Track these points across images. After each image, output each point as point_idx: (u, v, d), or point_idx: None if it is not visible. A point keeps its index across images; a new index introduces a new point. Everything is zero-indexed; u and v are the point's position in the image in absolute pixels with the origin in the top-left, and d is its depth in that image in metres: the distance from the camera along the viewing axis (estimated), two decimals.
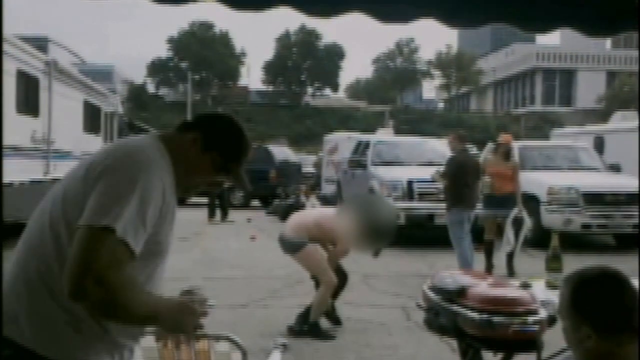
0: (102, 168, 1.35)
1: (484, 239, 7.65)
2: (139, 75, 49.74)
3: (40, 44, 11.87)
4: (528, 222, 7.58)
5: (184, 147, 1.53)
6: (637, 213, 9.06)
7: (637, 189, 9.30)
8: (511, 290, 2.58)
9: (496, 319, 2.37)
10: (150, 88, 50.19)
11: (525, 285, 2.81)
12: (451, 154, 7.23)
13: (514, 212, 7.42)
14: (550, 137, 13.79)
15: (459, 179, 6.81)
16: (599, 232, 9.53)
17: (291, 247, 4.65)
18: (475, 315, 2.40)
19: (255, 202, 15.84)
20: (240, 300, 5.90)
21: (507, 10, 2.47)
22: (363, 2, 2.34)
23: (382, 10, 2.38)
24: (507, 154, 7.66)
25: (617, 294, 1.46)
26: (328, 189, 15.04)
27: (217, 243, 9.75)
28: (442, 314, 2.57)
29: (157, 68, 49.73)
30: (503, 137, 8.24)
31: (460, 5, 2.41)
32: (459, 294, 2.51)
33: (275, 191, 14.38)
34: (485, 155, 9.18)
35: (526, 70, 52.29)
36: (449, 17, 2.48)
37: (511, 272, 7.34)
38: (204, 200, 14.53)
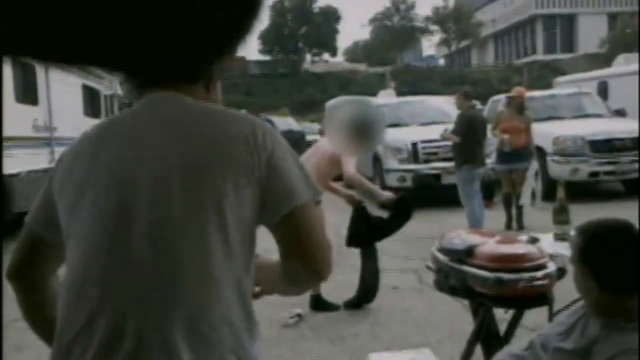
0: (271, 148, 1.17)
1: (502, 193, 7.73)
2: None
3: None
4: (540, 174, 7.69)
5: (215, 93, 1.32)
6: None
7: None
8: (519, 246, 2.60)
9: (505, 276, 2.38)
10: None
11: (534, 240, 2.83)
12: (459, 112, 7.22)
13: (534, 165, 7.51)
14: (554, 85, 13.62)
15: (469, 136, 6.86)
16: (606, 180, 9.51)
17: None
18: (484, 273, 2.42)
19: None
20: None
21: None
22: None
23: None
24: (520, 108, 7.69)
25: (625, 253, 1.48)
26: None
27: None
28: (452, 274, 2.59)
29: None
30: (516, 91, 8.19)
31: None
32: (467, 254, 2.52)
33: None
34: (499, 108, 9.09)
35: (526, 19, 51.29)
36: None
37: (521, 226, 7.44)
38: None
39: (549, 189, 8.79)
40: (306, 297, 4.75)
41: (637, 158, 9.02)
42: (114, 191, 1.12)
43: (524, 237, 2.95)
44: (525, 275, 2.38)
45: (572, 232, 3.01)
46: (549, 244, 2.87)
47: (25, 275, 1.28)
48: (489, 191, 9.50)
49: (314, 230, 1.16)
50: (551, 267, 2.45)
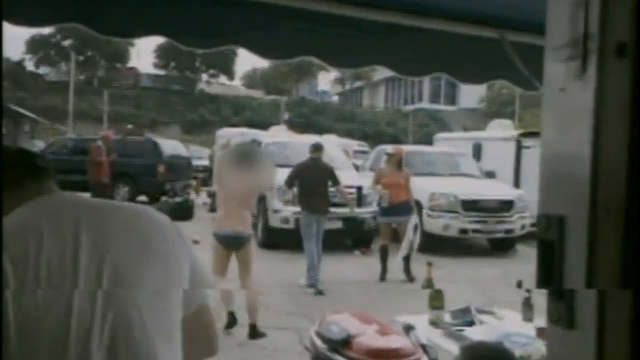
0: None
1: (380, 245, 8.01)
2: (16, 52, 45.88)
3: None
4: (418, 227, 7.98)
5: None
6: (508, 219, 9.78)
7: (509, 197, 10.04)
8: (394, 339, 2.63)
9: None
10: (29, 66, 46.55)
11: (409, 328, 2.85)
12: (301, 162, 7.90)
13: (414, 218, 7.84)
14: (434, 141, 14.48)
15: (304, 185, 7.55)
16: (474, 237, 10.17)
17: (242, 241, 5.05)
18: None
19: (142, 198, 15.21)
20: None
21: (389, 57, 2.56)
22: (243, 40, 2.30)
23: (262, 49, 2.36)
24: (399, 164, 8.09)
25: None
26: None
27: None
28: None
29: (37, 45, 46.15)
30: (395, 148, 8.63)
31: (338, 50, 2.46)
32: (343, 344, 2.54)
33: (163, 187, 13.85)
34: (381, 164, 9.41)
35: None
36: (329, 59, 2.54)
37: (410, 278, 7.65)
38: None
39: (423, 242, 9.21)
40: None
41: (502, 219, 9.75)
42: None
43: (400, 322, 2.97)
44: None
45: (446, 318, 3.13)
46: (424, 331, 2.91)
47: None
48: (367, 239, 9.79)
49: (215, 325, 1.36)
50: None
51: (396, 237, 7.93)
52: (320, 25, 2.29)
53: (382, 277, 7.87)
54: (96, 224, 1.16)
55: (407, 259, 7.82)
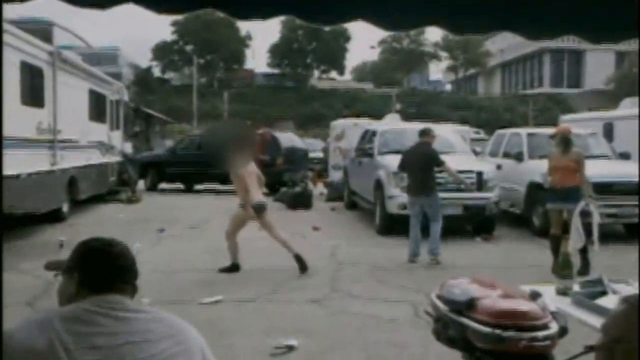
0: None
1: (550, 235, 7.25)
2: (144, 59, 49.57)
3: (45, 27, 11.81)
4: (597, 215, 6.95)
5: None
6: None
7: None
8: (521, 303, 2.53)
9: (506, 333, 2.32)
10: (156, 71, 50.05)
11: (536, 295, 2.76)
12: (409, 147, 8.23)
13: (581, 205, 7.00)
14: (559, 123, 13.59)
15: (410, 169, 7.89)
16: (608, 222, 9.43)
17: (264, 207, 7.04)
18: (485, 328, 2.36)
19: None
20: (248, 294, 5.91)
21: (515, 20, 2.42)
22: (366, 11, 2.27)
23: (385, 19, 2.31)
24: (565, 145, 7.26)
25: None
26: (335, 175, 14.98)
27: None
28: (451, 325, 2.53)
29: (162, 51, 49.53)
30: (558, 128, 7.95)
31: (465, 14, 2.33)
32: (468, 306, 2.47)
33: (282, 178, 14.32)
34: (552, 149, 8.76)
35: (534, 51, 51.67)
36: (455, 25, 2.44)
37: (585, 270, 6.75)
38: (211, 186, 14.63)
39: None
40: (301, 327, 4.69)
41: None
42: None
43: (525, 290, 2.89)
44: (527, 335, 2.32)
45: (576, 287, 2.99)
46: (551, 300, 2.81)
47: None
48: (488, 226, 9.45)
49: None
50: (553, 327, 2.38)
51: (565, 226, 7.14)
52: None
53: (555, 269, 7.11)
54: (140, 328, 1.49)
55: (583, 251, 6.64)
